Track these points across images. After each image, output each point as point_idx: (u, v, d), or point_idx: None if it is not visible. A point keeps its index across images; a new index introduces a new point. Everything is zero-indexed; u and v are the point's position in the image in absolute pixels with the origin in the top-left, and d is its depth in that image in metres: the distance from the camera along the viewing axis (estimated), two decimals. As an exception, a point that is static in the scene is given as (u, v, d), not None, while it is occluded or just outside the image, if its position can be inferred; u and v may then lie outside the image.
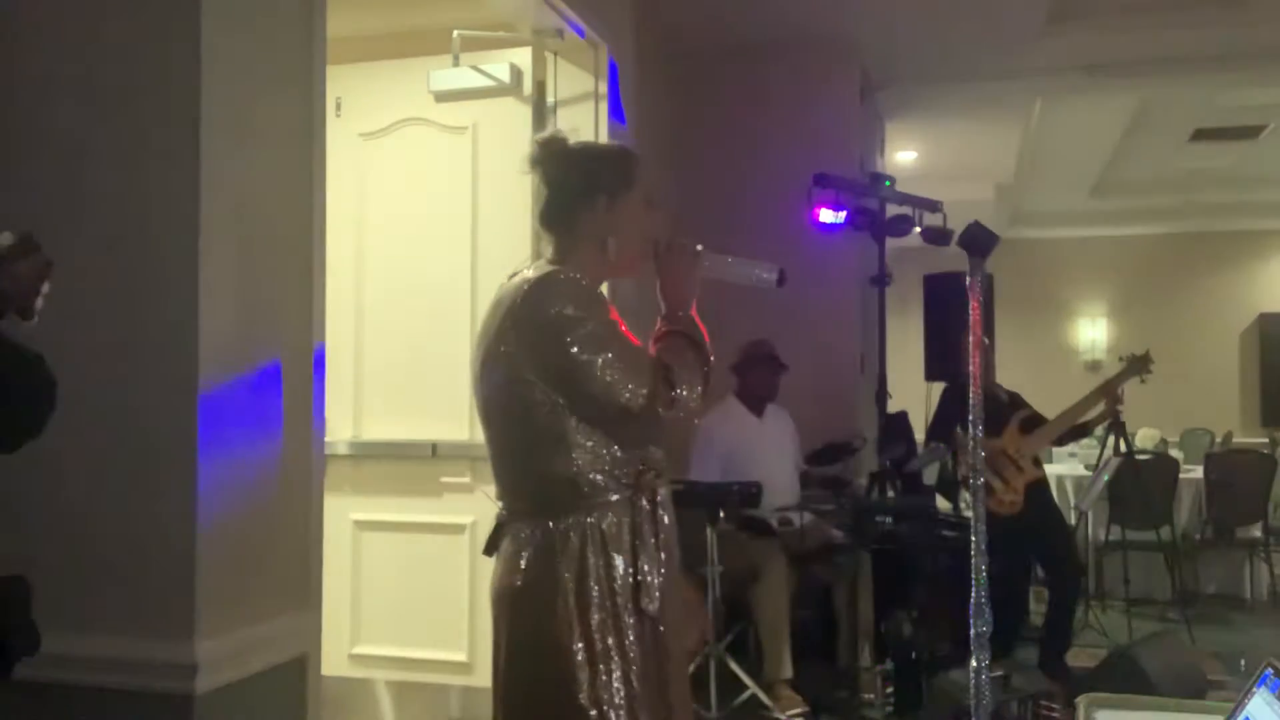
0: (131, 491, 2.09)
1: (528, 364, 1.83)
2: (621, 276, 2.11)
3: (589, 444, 1.85)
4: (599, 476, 1.86)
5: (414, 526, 3.84)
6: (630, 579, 1.85)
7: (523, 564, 1.86)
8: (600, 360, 1.81)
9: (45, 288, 1.53)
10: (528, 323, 1.84)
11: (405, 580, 3.81)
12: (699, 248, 2.02)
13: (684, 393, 1.86)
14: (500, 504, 1.97)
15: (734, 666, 4.12)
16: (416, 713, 4.05)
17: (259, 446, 2.28)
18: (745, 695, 4.11)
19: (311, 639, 2.42)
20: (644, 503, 1.90)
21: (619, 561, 1.86)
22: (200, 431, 2.07)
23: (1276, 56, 6.12)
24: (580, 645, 1.81)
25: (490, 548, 1.99)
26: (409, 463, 3.87)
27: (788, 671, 4.21)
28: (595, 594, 1.83)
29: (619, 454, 1.88)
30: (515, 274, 1.97)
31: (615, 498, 1.88)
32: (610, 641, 1.82)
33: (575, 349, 1.81)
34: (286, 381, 2.38)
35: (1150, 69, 6.43)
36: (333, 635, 2.93)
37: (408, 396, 3.91)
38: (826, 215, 4.88)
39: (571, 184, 1.98)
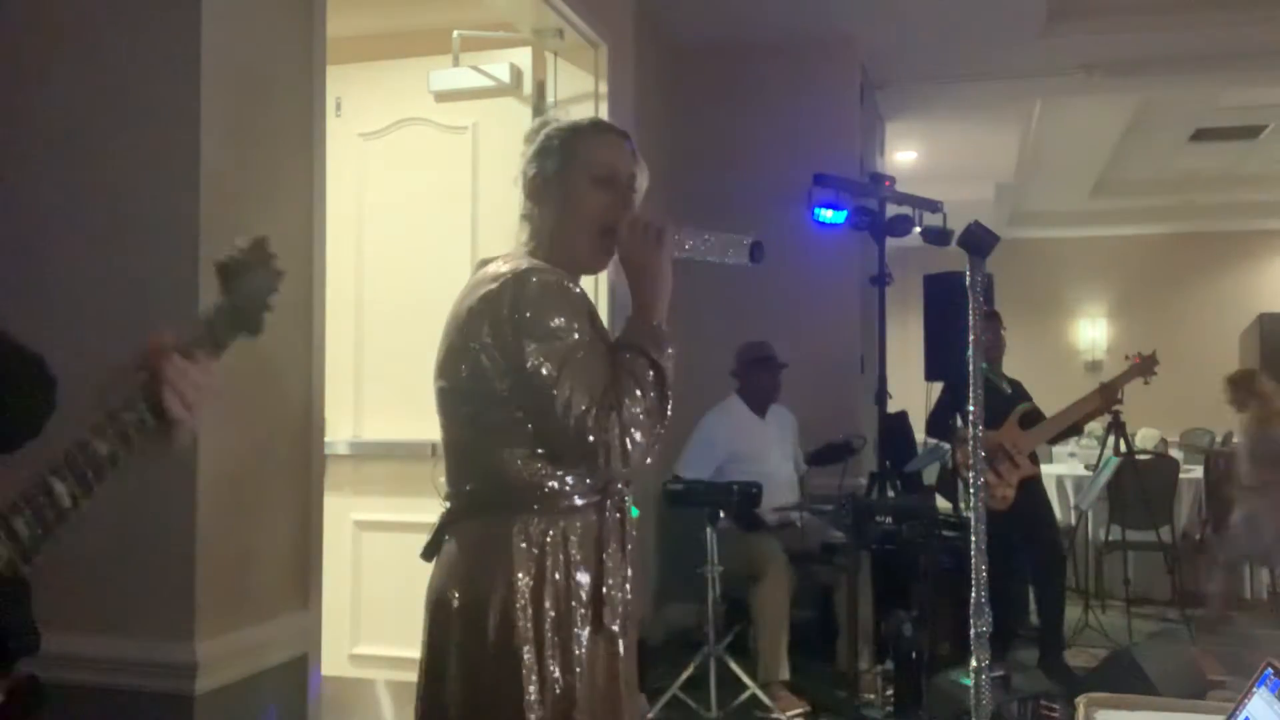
0: (131, 491, 2.09)
1: (496, 363, 1.66)
2: (584, 271, 1.84)
3: (507, 452, 1.69)
4: (565, 481, 1.69)
5: (414, 526, 3.82)
6: (593, 593, 1.70)
7: (469, 570, 1.72)
8: (559, 379, 1.61)
9: (274, 299, 1.47)
10: (498, 322, 1.65)
11: (405, 580, 3.79)
12: (663, 225, 1.73)
13: (629, 441, 1.61)
14: (447, 503, 1.84)
15: (734, 667, 4.12)
16: (416, 713, 4.05)
17: (259, 446, 2.28)
18: (745, 695, 4.11)
19: (311, 639, 2.42)
20: (610, 513, 1.74)
21: (581, 574, 1.69)
22: (200, 431, 2.07)
23: (1276, 56, 6.13)
24: (529, 661, 1.64)
25: (431, 550, 1.85)
26: (409, 463, 3.86)
27: (787, 672, 4.22)
28: (551, 607, 1.66)
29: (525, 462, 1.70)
30: (488, 261, 1.81)
31: (581, 503, 1.71)
32: (560, 661, 1.66)
33: (537, 362, 1.62)
34: (286, 381, 2.38)
35: (1150, 69, 6.43)
36: (333, 635, 2.92)
37: (408, 396, 3.90)
38: (826, 215, 4.89)
39: (525, 167, 1.81)
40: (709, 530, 4.13)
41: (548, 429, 1.65)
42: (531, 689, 1.64)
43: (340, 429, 3.91)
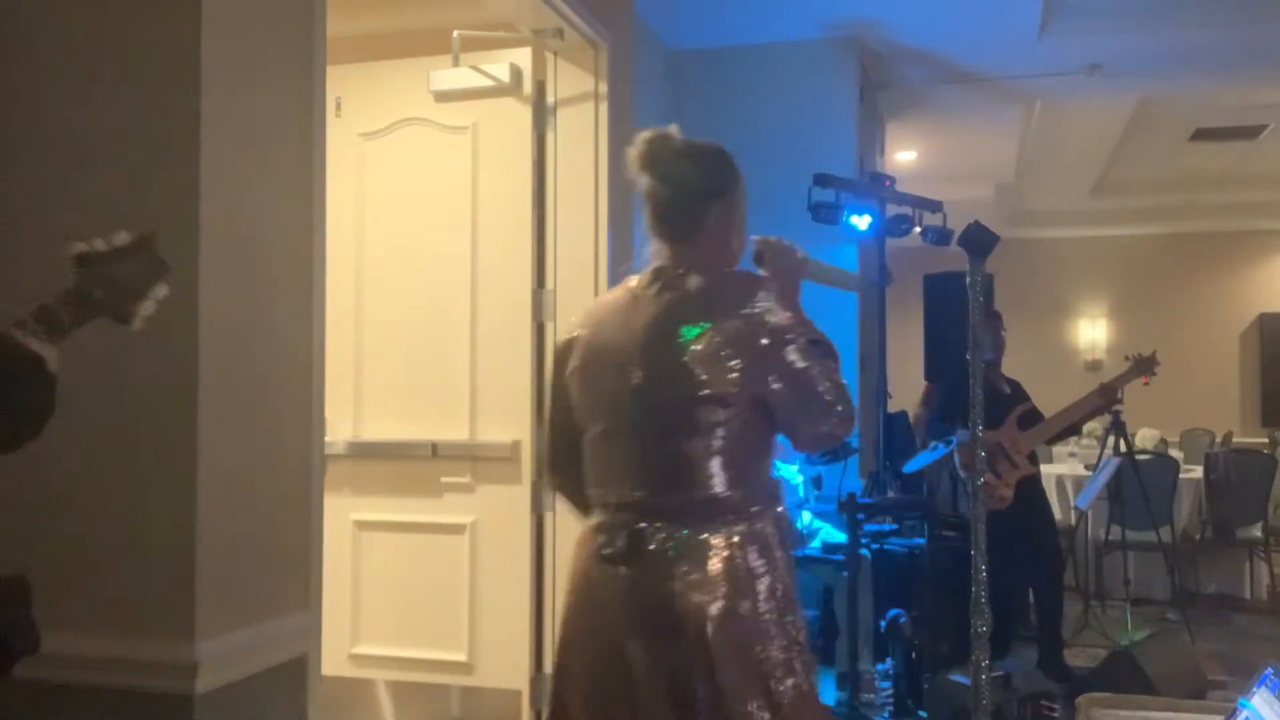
0: (131, 491, 2.09)
1: (736, 370, 1.79)
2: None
3: (765, 453, 1.89)
4: (769, 484, 1.90)
5: (414, 526, 3.84)
6: (788, 586, 1.87)
7: (717, 576, 1.79)
8: (819, 372, 1.80)
9: (159, 292, 1.49)
10: (736, 328, 1.80)
11: (405, 580, 3.81)
12: (800, 248, 2.01)
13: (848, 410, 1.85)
14: (638, 509, 1.86)
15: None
16: (416, 713, 4.04)
17: (259, 446, 2.28)
18: (745, 695, 4.10)
19: (311, 639, 2.41)
20: (782, 517, 1.93)
21: (781, 568, 1.86)
22: (200, 431, 2.07)
23: (1277, 56, 6.13)
24: (784, 658, 1.81)
25: (629, 556, 1.84)
26: (409, 463, 3.86)
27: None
28: (782, 602, 1.83)
29: (768, 461, 1.92)
30: (672, 274, 1.91)
31: (779, 507, 1.91)
32: (801, 656, 1.84)
33: (798, 360, 1.79)
34: (286, 381, 2.38)
35: (1150, 69, 6.44)
36: (333, 635, 2.92)
37: (408, 396, 3.91)
38: (856, 221, 4.97)
39: (697, 183, 1.93)
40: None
41: (804, 421, 1.83)
42: (793, 673, 1.79)
43: (340, 429, 3.90)
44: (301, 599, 2.39)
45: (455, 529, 3.78)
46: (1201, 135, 8.42)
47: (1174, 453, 7.65)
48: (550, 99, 3.82)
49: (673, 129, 1.98)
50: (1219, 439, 9.62)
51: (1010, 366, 5.18)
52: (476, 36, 3.81)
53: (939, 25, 5.77)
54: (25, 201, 2.18)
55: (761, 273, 1.95)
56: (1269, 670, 1.38)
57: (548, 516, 3.71)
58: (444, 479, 3.82)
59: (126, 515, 2.09)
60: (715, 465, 1.81)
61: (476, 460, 3.77)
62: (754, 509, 1.83)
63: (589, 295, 3.70)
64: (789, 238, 2.03)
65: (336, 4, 2.61)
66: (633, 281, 2.00)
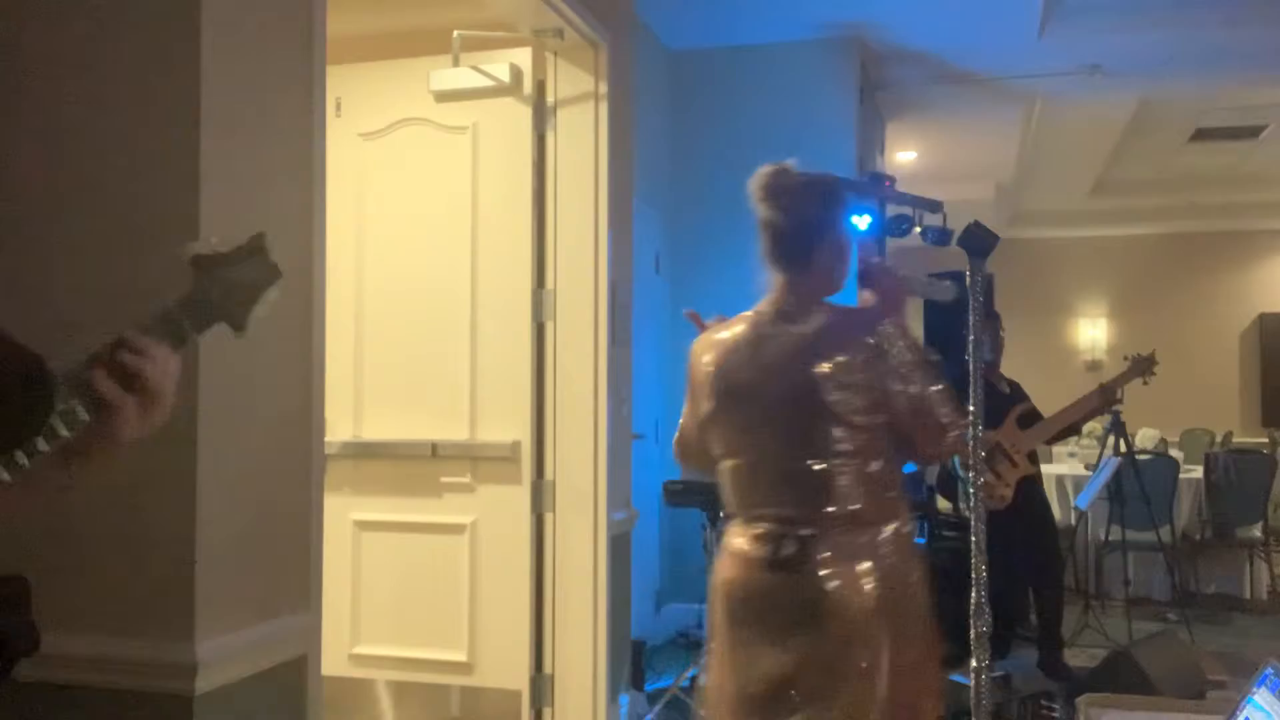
0: (131, 491, 2.09)
1: (865, 395, 1.99)
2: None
3: (897, 466, 2.10)
4: (902, 493, 2.12)
5: (414, 526, 3.84)
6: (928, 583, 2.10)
7: (879, 572, 2.01)
8: (936, 395, 2.01)
9: (272, 294, 1.47)
10: (862, 356, 1.99)
11: (405, 580, 3.81)
12: (899, 268, 2.17)
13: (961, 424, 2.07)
14: (793, 523, 2.06)
15: (734, 666, 4.12)
16: (416, 713, 4.05)
17: (259, 446, 2.28)
18: (745, 695, 4.10)
19: (311, 639, 2.41)
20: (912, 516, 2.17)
21: (922, 565, 2.10)
22: (200, 431, 2.07)
23: (1277, 56, 6.13)
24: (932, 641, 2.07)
25: (795, 562, 2.04)
26: (409, 463, 3.86)
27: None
28: (927, 597, 2.08)
29: (900, 473, 2.14)
30: (768, 313, 2.13)
31: (910, 513, 2.14)
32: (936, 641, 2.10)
33: (916, 386, 1.99)
34: (286, 381, 2.38)
35: (1150, 69, 6.43)
36: (333, 635, 2.92)
37: (408, 396, 3.91)
38: (856, 221, 4.97)
39: (812, 215, 2.11)
40: (709, 530, 4.13)
41: (924, 437, 2.04)
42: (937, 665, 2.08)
43: (340, 429, 3.91)
44: (301, 599, 2.39)
45: (455, 529, 3.78)
46: (1201, 135, 8.42)
47: (1174, 453, 7.65)
48: (550, 99, 3.82)
49: (790, 163, 2.17)
50: (1219, 439, 9.62)
51: (1010, 366, 5.17)
52: (476, 36, 3.81)
53: (939, 25, 5.77)
54: (24, 201, 2.18)
55: (866, 294, 2.12)
56: (1269, 669, 1.38)
57: (548, 516, 3.72)
58: (444, 479, 3.82)
59: (126, 515, 2.09)
60: (858, 479, 2.02)
61: (476, 460, 3.77)
62: (894, 514, 2.05)
63: (589, 295, 3.71)
64: None
65: (336, 4, 2.61)
66: (751, 315, 2.16)
